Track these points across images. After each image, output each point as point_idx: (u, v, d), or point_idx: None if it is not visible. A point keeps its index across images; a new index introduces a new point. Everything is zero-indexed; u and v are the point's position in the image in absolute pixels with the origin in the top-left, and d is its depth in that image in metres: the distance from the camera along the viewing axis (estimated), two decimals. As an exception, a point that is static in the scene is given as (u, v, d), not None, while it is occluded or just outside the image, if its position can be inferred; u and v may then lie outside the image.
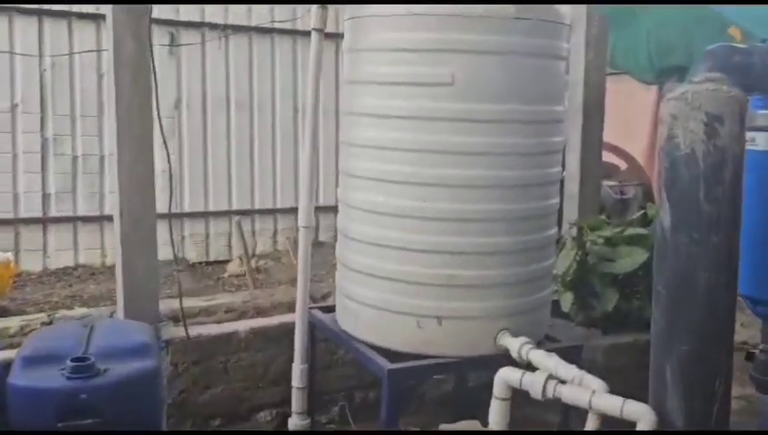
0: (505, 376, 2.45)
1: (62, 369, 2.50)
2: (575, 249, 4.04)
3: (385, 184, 2.90)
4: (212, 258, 7.81)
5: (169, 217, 3.84)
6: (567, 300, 3.99)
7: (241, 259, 7.03)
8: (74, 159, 7.10)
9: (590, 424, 2.41)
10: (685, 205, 2.15)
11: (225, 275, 7.33)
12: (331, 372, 3.85)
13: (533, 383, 2.37)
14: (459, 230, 2.86)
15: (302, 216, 3.24)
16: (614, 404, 2.25)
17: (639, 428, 2.21)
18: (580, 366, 3.15)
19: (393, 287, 2.92)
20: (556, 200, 3.22)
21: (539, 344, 3.14)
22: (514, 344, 2.84)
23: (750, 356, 2.58)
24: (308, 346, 3.26)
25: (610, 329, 4.06)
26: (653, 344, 2.30)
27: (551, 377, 2.38)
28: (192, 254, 7.70)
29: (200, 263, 7.71)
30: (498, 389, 2.47)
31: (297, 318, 3.08)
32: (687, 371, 2.19)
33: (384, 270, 2.93)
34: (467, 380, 3.98)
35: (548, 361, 2.67)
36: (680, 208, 2.16)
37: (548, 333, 3.30)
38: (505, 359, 2.88)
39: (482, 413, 2.57)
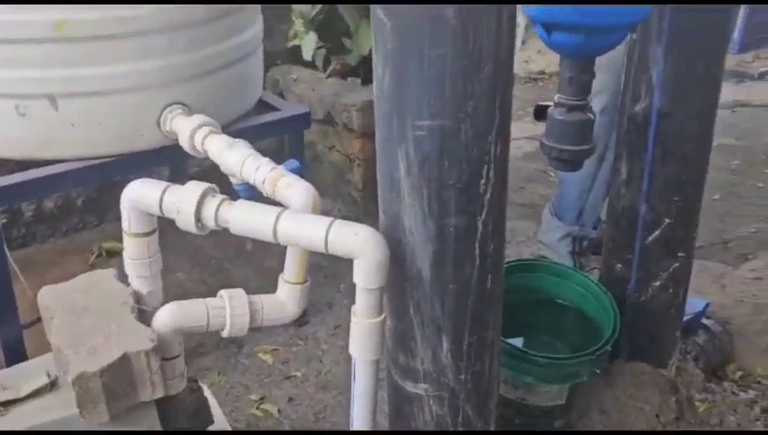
0: (137, 195, 1.38)
1: None
2: (318, -31, 2.86)
3: None
4: None
5: None
6: (309, 45, 2.88)
7: None
8: None
9: (291, 264, 1.44)
10: None
11: None
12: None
13: (181, 206, 1.32)
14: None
15: None
16: (313, 231, 1.26)
17: (359, 267, 1.26)
18: (299, 146, 2.18)
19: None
20: None
21: (244, 118, 2.08)
22: (184, 129, 1.74)
23: (540, 112, 1.65)
24: None
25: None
26: (379, 125, 1.29)
27: (212, 191, 1.33)
28: None
29: None
30: (129, 218, 1.41)
31: None
32: (432, 165, 1.22)
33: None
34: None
35: (229, 155, 1.61)
36: None
37: (265, 99, 2.22)
38: (179, 153, 1.80)
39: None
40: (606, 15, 1.35)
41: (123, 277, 1.51)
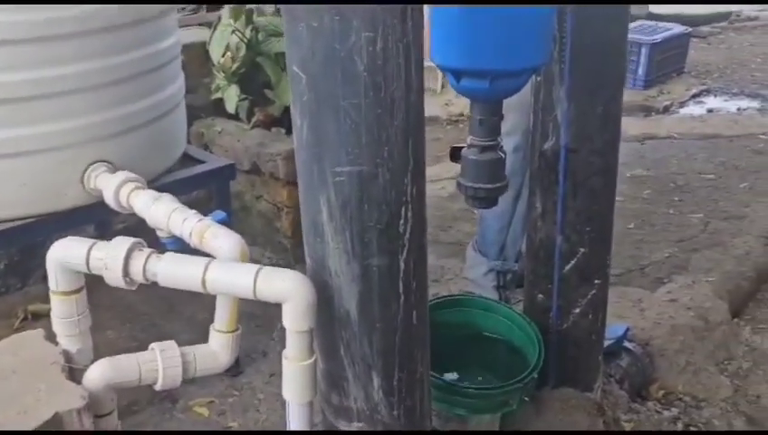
0: (63, 253, 1.39)
1: None
2: (237, 24, 2.93)
3: None
4: None
5: None
6: (232, 97, 2.94)
7: None
8: None
9: (221, 313, 1.46)
10: None
11: None
12: None
13: (108, 262, 1.34)
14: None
15: None
16: (241, 279, 1.30)
17: (288, 310, 1.30)
18: (225, 198, 2.22)
19: None
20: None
21: (169, 172, 2.10)
22: (109, 186, 1.76)
23: (455, 153, 1.74)
24: None
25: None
26: (300, 174, 1.34)
27: (139, 245, 1.36)
28: None
29: None
30: (56, 277, 1.41)
31: None
32: (353, 209, 1.28)
33: None
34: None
35: (156, 209, 1.64)
36: None
37: (189, 152, 2.25)
38: (103, 210, 1.81)
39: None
40: (508, 61, 1.45)
41: (52, 337, 1.51)
